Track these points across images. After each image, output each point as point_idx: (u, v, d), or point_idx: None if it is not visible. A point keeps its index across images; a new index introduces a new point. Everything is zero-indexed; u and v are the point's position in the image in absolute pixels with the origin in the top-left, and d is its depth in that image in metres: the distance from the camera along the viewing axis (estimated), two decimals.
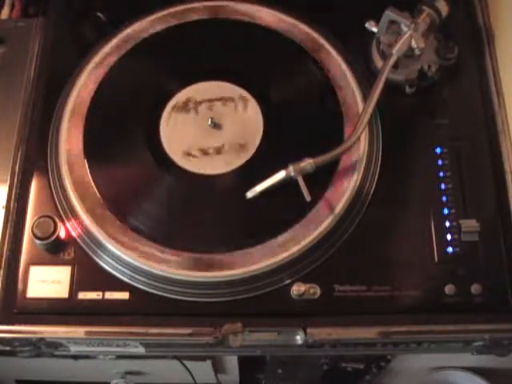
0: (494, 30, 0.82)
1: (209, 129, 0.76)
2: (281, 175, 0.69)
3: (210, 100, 0.78)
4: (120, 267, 0.69)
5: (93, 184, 0.73)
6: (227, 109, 0.78)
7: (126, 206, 0.72)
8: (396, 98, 0.78)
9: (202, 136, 0.76)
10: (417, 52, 0.74)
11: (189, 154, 0.75)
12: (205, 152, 0.75)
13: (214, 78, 0.80)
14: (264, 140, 0.75)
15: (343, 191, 0.71)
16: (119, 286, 0.69)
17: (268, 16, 0.83)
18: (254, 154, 0.75)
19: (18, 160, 0.76)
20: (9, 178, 0.75)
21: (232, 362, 0.98)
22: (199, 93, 0.79)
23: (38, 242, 0.69)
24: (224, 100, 0.78)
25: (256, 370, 1.05)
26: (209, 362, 0.94)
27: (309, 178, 0.69)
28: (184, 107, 0.78)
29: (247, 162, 0.74)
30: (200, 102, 0.78)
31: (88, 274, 0.70)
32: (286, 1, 0.84)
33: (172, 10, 0.84)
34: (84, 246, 0.71)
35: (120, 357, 0.81)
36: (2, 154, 0.76)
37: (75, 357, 0.87)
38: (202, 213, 0.72)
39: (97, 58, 0.80)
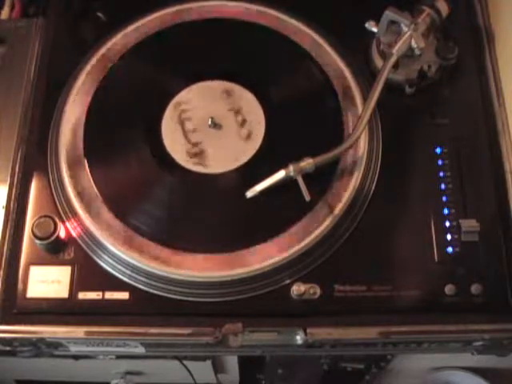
0: (494, 29, 0.83)
1: (209, 128, 0.76)
2: (280, 175, 0.69)
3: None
4: (120, 267, 0.69)
5: (93, 184, 0.73)
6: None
7: (126, 206, 0.72)
8: (396, 98, 0.78)
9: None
10: (417, 52, 0.74)
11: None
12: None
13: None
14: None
15: (343, 191, 0.71)
16: (119, 285, 0.69)
17: (267, 16, 0.83)
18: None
19: (18, 160, 0.76)
20: (9, 178, 0.75)
21: (232, 362, 0.98)
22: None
23: (37, 242, 0.69)
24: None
25: (256, 370, 1.05)
26: (209, 362, 0.94)
27: (309, 177, 0.69)
28: None
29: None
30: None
31: (88, 274, 0.70)
32: (286, 1, 0.84)
33: (172, 9, 0.84)
34: (84, 246, 0.71)
35: (120, 357, 0.81)
36: (2, 154, 0.76)
37: (75, 357, 0.87)
38: (202, 212, 0.72)
39: (97, 58, 0.80)
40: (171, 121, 0.77)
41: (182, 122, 0.77)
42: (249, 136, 0.76)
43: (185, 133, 0.76)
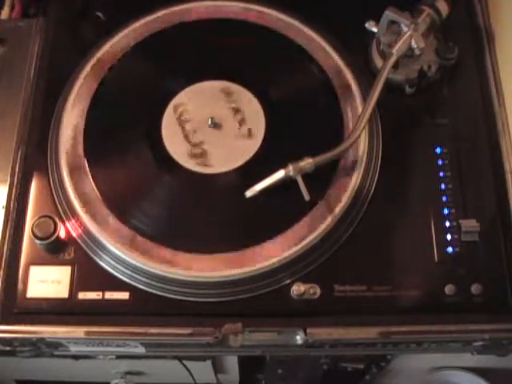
0: (494, 29, 0.83)
1: (209, 128, 0.76)
2: (280, 174, 0.69)
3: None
4: (120, 267, 0.69)
5: (93, 184, 0.73)
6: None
7: (126, 206, 0.72)
8: (396, 98, 0.78)
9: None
10: (417, 52, 0.74)
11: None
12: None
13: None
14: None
15: (343, 191, 0.71)
16: (119, 285, 0.69)
17: (268, 16, 0.83)
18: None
19: (18, 160, 0.76)
20: (9, 177, 0.75)
21: (232, 362, 0.98)
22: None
23: (37, 242, 0.69)
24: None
25: (256, 370, 1.05)
26: (209, 362, 0.94)
27: (309, 177, 0.69)
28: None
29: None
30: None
31: (88, 274, 0.70)
32: (286, 1, 0.84)
33: (172, 9, 0.84)
34: (84, 246, 0.71)
35: (120, 357, 0.81)
36: (2, 154, 0.76)
37: (75, 357, 0.87)
38: (202, 212, 0.72)
39: (97, 58, 0.80)
40: (171, 122, 0.77)
41: (181, 123, 0.77)
42: (249, 135, 0.76)
43: (185, 134, 0.76)
